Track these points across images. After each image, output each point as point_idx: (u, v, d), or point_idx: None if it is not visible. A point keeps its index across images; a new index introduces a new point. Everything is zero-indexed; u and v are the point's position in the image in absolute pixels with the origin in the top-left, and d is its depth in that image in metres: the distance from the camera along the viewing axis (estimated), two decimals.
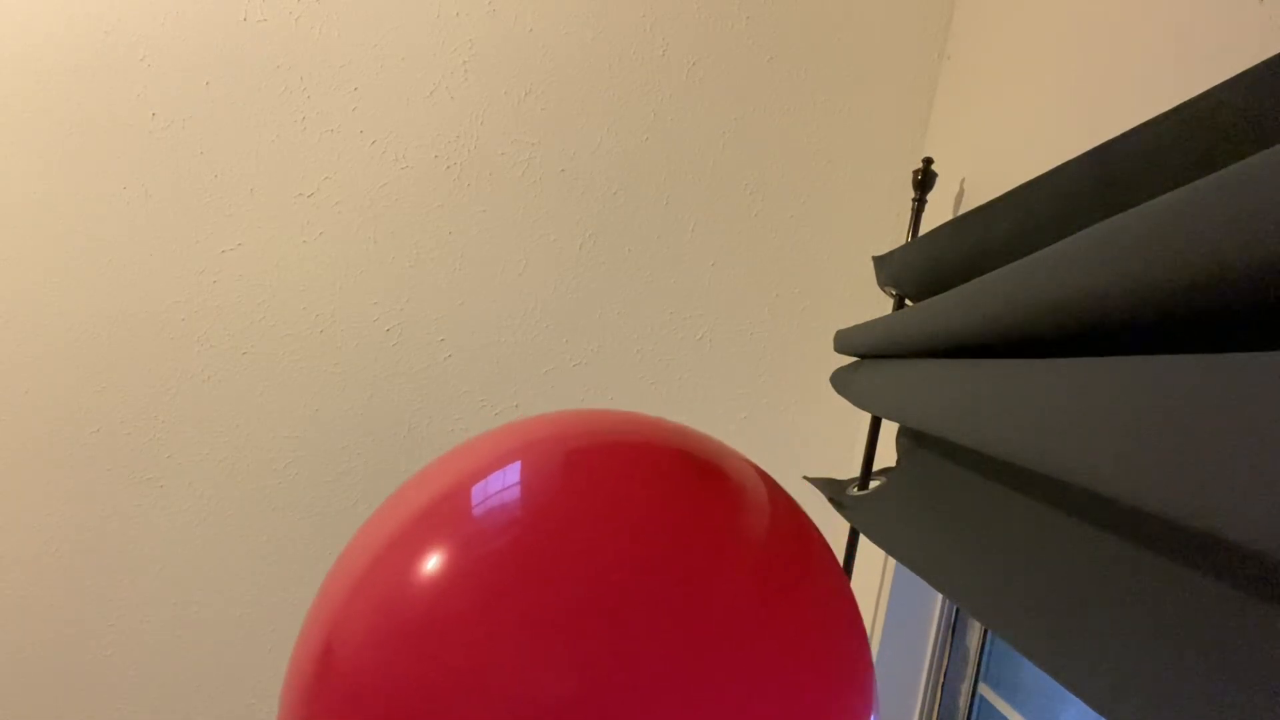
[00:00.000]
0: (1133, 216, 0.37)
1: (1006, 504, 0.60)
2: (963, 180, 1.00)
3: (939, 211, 1.04)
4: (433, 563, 0.44)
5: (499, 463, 0.50)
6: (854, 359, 1.00)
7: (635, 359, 1.26)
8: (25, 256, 1.14)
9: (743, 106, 1.23)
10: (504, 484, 0.48)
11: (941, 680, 1.08)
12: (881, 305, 1.20)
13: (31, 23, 1.11)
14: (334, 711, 0.43)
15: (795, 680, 0.44)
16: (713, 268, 1.25)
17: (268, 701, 1.27)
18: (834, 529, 1.15)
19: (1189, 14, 0.59)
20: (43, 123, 1.12)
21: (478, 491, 0.48)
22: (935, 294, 0.69)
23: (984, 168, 0.95)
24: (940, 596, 1.09)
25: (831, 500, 0.98)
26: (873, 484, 0.95)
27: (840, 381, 0.98)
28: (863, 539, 1.08)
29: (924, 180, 0.98)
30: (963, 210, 0.88)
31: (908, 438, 0.94)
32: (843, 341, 0.98)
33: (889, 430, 1.01)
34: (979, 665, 1.04)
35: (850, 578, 1.04)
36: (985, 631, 1.04)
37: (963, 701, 1.05)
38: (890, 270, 0.93)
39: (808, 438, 1.28)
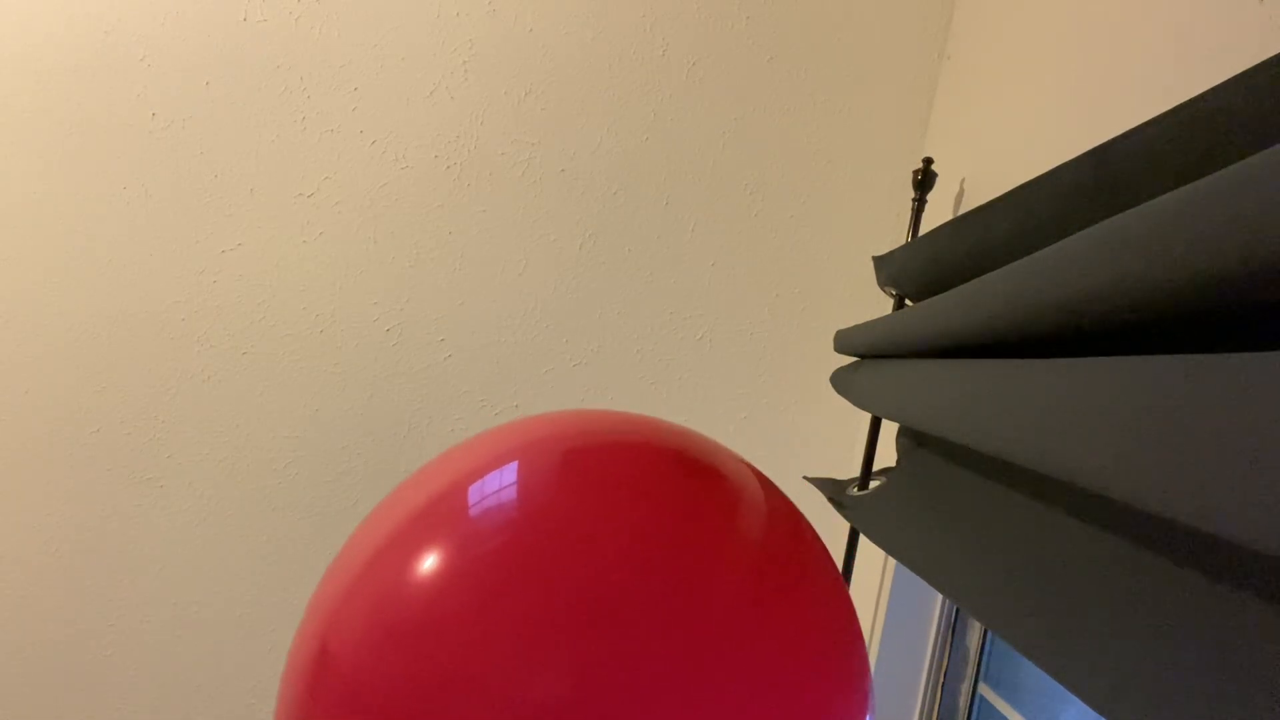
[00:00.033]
0: (1133, 216, 0.37)
1: (1006, 504, 0.60)
2: (963, 180, 1.00)
3: (939, 211, 1.04)
4: (429, 563, 0.44)
5: (496, 463, 0.50)
6: (854, 359, 1.00)
7: (635, 359, 1.26)
8: (25, 256, 1.14)
9: (743, 106, 1.22)
10: (501, 484, 0.48)
11: (941, 680, 1.08)
12: (881, 305, 1.20)
13: (31, 23, 1.11)
14: (331, 711, 0.43)
15: (791, 681, 0.44)
16: (713, 268, 1.25)
17: (268, 701, 1.27)
18: (834, 529, 1.15)
19: (1189, 14, 0.59)
20: (43, 123, 1.12)
21: (474, 492, 0.48)
22: (935, 294, 0.69)
23: (984, 168, 0.95)
24: (940, 596, 1.09)
25: (831, 500, 0.98)
26: (873, 484, 0.95)
27: (840, 381, 0.98)
28: (863, 539, 1.08)
29: (924, 180, 0.98)
30: (963, 210, 0.88)
31: (908, 438, 0.93)
32: (843, 341, 0.98)
33: (889, 430, 1.01)
34: (979, 665, 1.04)
35: (850, 578, 1.04)
36: (985, 631, 1.04)
37: (963, 701, 1.05)
38: (890, 270, 0.93)
39: (808, 438, 1.28)
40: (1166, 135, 0.43)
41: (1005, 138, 0.91)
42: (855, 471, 1.00)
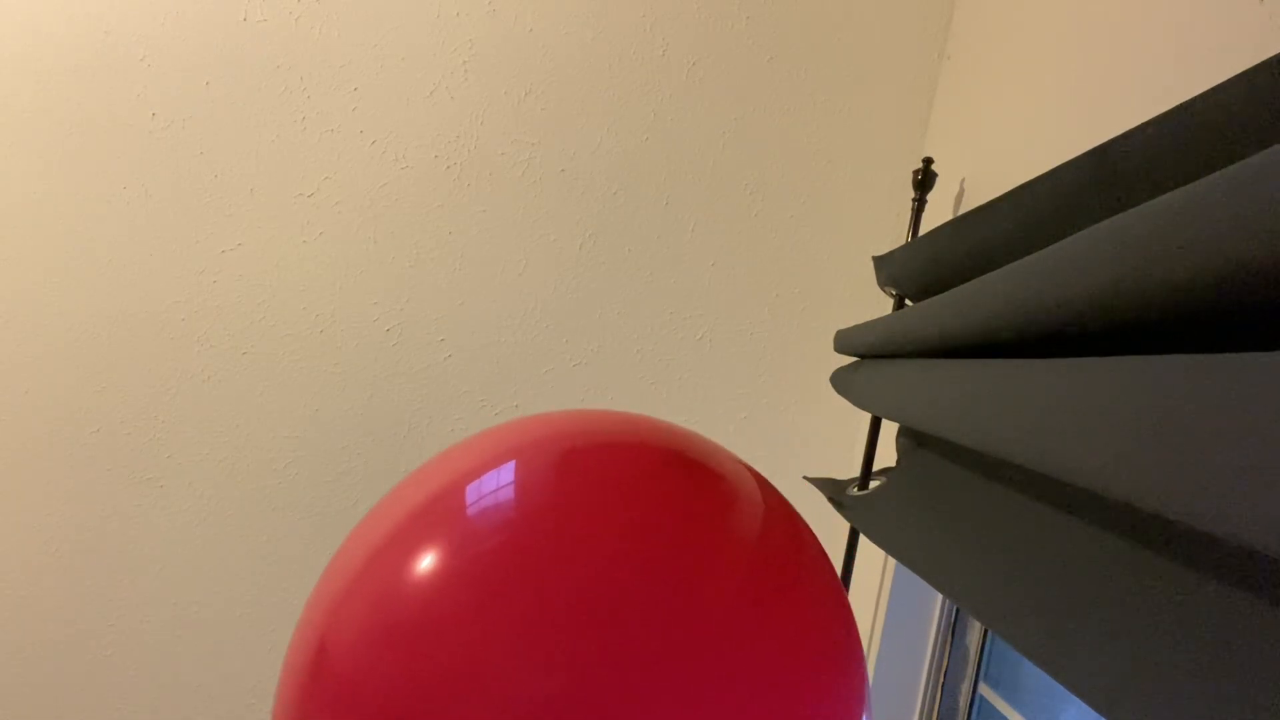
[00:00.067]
0: (1133, 216, 0.37)
1: (1006, 504, 0.60)
2: (963, 180, 1.00)
3: (939, 211, 1.04)
4: (427, 562, 0.44)
5: (493, 463, 0.50)
6: (854, 359, 1.00)
7: (635, 359, 1.26)
8: (25, 256, 1.14)
9: (743, 106, 1.22)
10: (498, 484, 0.48)
11: (941, 680, 1.08)
12: (881, 305, 1.20)
13: (31, 23, 1.11)
14: (328, 710, 0.43)
15: (787, 681, 0.44)
16: (713, 268, 1.25)
17: (268, 701, 1.27)
18: (834, 529, 1.15)
19: (1189, 14, 0.59)
20: (43, 123, 1.12)
21: (472, 491, 0.48)
22: (935, 294, 0.69)
23: (984, 168, 0.95)
24: (940, 596, 1.09)
25: (831, 500, 0.98)
26: (873, 484, 0.95)
27: (840, 381, 0.98)
28: (863, 539, 1.08)
29: (924, 180, 0.98)
30: (963, 210, 0.88)
31: (908, 438, 0.93)
32: (843, 341, 0.98)
33: (889, 430, 1.01)
34: (979, 665, 1.04)
35: (850, 578, 1.04)
36: (985, 631, 1.04)
37: (963, 701, 1.05)
38: (890, 270, 0.93)
39: (808, 438, 1.28)
40: (1166, 135, 0.43)
41: (1005, 138, 0.91)
42: (855, 471, 0.99)
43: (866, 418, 1.06)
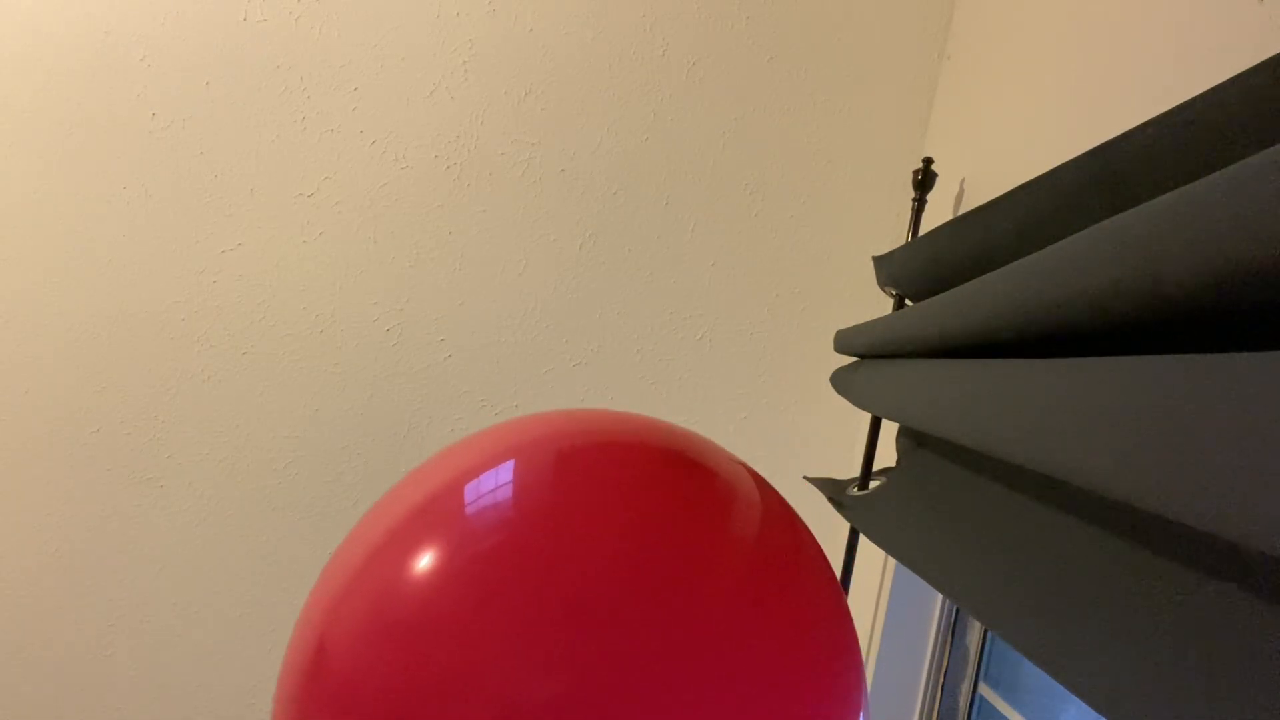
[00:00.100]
0: (1133, 216, 0.37)
1: (1006, 504, 0.60)
2: (963, 180, 1.00)
3: (939, 211, 1.04)
4: (425, 562, 0.44)
5: (491, 462, 0.50)
6: (854, 359, 1.00)
7: (635, 359, 1.26)
8: (25, 256, 1.14)
9: (743, 106, 1.22)
10: (496, 483, 0.48)
11: (941, 680, 1.08)
12: (881, 305, 1.20)
13: (31, 23, 1.11)
14: (327, 709, 0.43)
15: (784, 681, 0.44)
16: (713, 268, 1.25)
17: (268, 701, 1.27)
18: (834, 529, 1.15)
19: (1189, 14, 0.59)
20: (43, 123, 1.12)
21: (470, 491, 0.48)
22: (935, 294, 0.69)
23: (984, 168, 0.95)
24: (940, 596, 1.09)
25: (831, 500, 0.98)
26: (873, 484, 0.95)
27: (840, 381, 0.98)
28: (863, 539, 1.08)
29: (924, 180, 0.98)
30: (963, 210, 0.88)
31: (908, 438, 0.93)
32: (843, 341, 0.98)
33: (889, 430, 1.01)
34: (979, 665, 1.04)
35: (850, 578, 1.04)
36: (985, 631, 1.04)
37: (963, 701, 1.05)
38: (890, 270, 0.93)
39: (808, 438, 1.28)
40: (1166, 135, 0.43)
41: (1005, 138, 0.91)
42: (855, 471, 0.99)
43: (866, 418, 1.06)
